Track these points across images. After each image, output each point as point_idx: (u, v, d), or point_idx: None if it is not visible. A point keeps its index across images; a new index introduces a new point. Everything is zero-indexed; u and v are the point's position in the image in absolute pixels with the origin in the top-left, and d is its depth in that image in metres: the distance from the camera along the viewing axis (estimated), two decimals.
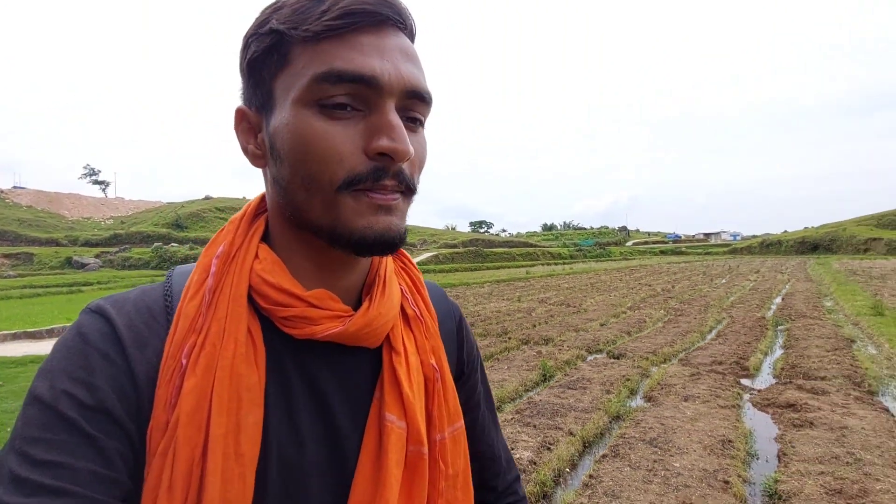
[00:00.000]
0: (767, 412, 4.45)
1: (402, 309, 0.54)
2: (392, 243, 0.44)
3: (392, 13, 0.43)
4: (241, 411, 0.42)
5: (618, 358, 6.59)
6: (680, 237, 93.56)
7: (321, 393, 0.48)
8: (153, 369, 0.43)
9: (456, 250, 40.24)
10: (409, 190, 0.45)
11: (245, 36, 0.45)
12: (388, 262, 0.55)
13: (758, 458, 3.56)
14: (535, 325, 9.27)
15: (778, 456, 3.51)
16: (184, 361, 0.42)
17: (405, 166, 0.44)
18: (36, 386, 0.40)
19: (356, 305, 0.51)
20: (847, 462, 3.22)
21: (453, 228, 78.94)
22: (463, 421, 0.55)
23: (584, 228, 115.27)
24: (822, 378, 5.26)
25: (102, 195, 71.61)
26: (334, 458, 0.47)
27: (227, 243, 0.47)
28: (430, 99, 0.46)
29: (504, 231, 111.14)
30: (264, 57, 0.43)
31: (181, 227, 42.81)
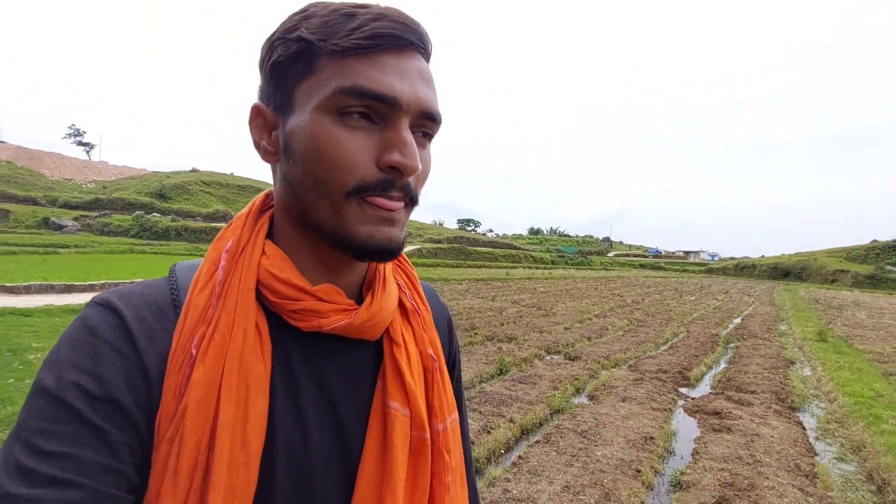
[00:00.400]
0: (695, 417, 4.88)
1: (401, 303, 0.56)
2: (391, 252, 0.47)
3: (415, 38, 0.46)
4: (248, 401, 0.43)
5: (573, 360, 6.99)
6: (660, 252, 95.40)
7: (326, 384, 0.49)
8: (163, 361, 0.44)
9: (440, 245, 40.56)
10: (412, 201, 0.48)
11: (270, 38, 0.47)
12: None
13: (674, 455, 3.96)
14: (502, 324, 9.64)
15: (692, 454, 3.92)
16: (193, 351, 0.43)
17: (411, 179, 0.46)
18: (41, 378, 0.40)
19: (357, 300, 0.53)
20: (747, 462, 3.64)
21: (441, 224, 79.26)
22: (458, 413, 0.58)
23: (570, 236, 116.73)
24: (752, 392, 5.73)
25: (86, 157, 69.95)
26: (339, 448, 0.49)
27: (234, 239, 0.49)
28: (441, 120, 0.49)
29: (491, 231, 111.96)
30: (289, 62, 0.45)
31: (165, 197, 42.21)
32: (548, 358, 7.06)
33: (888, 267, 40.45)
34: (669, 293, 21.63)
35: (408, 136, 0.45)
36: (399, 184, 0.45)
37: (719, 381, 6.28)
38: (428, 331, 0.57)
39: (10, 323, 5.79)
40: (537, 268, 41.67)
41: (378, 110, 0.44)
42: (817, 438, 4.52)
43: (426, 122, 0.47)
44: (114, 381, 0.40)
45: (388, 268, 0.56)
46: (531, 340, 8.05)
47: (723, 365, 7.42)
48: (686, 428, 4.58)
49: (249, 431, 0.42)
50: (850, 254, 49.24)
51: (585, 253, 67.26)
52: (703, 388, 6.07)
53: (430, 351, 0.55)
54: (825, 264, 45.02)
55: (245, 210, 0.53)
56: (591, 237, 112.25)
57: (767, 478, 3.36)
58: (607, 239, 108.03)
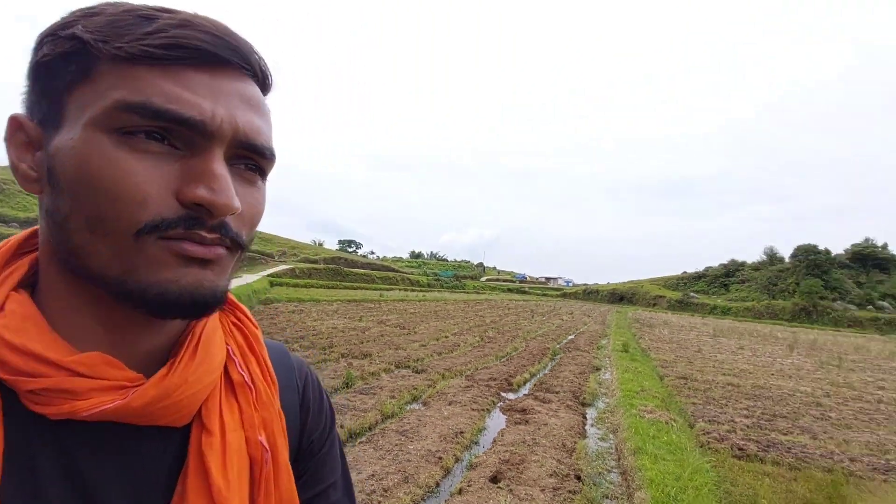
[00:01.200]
0: (506, 414, 5.80)
1: (228, 373, 0.45)
2: (203, 303, 0.36)
3: (234, 57, 0.37)
4: None
5: (419, 372, 7.64)
6: (526, 278, 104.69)
7: (91, 495, 0.37)
8: None
9: (315, 266, 39.39)
10: (235, 245, 0.38)
11: (40, 34, 0.37)
12: (212, 317, 0.45)
13: (477, 444, 4.73)
14: (362, 342, 9.99)
15: (492, 442, 4.73)
16: None
17: (229, 220, 0.37)
18: None
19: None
20: (528, 444, 4.54)
21: (320, 244, 76.75)
22: (333, 481, 0.49)
23: (447, 260, 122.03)
24: (556, 392, 6.95)
25: None
26: None
27: None
28: (273, 156, 0.41)
29: (372, 253, 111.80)
30: (58, 63, 0.36)
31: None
32: (396, 371, 7.60)
33: (692, 294, 50.27)
34: (525, 314, 24.09)
35: (219, 167, 0.36)
36: (210, 223, 0.36)
37: (535, 385, 7.46)
38: (262, 409, 0.45)
39: None
40: (412, 290, 42.80)
41: (181, 135, 0.35)
42: (592, 425, 5.74)
43: (252, 156, 0.39)
44: None
45: (210, 327, 0.44)
46: (385, 356, 8.53)
47: (544, 373, 8.76)
48: (496, 423, 5.45)
49: None
50: (667, 282, 60.08)
51: (460, 277, 70.99)
52: (523, 392, 7.15)
53: (262, 437, 0.44)
54: (649, 290, 54.26)
55: None
56: (468, 262, 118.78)
57: (536, 454, 4.27)
58: (481, 264, 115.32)
